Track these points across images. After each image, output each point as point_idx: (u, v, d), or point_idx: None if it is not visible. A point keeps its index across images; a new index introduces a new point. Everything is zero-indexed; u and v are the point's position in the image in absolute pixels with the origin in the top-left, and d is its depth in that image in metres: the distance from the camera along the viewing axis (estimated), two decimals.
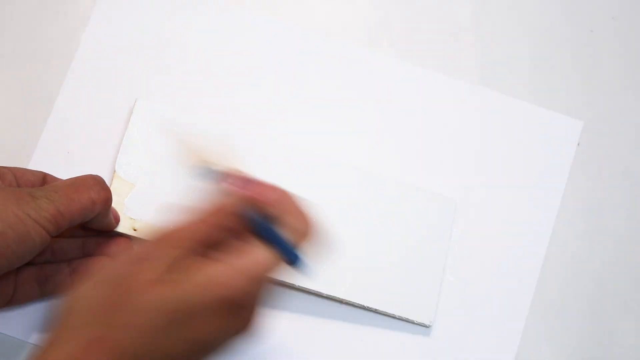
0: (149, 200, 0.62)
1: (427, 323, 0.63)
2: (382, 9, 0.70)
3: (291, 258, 0.47)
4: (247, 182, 0.48)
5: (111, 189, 0.59)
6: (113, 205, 0.58)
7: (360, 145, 0.67)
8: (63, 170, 0.58)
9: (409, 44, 0.70)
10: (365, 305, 0.62)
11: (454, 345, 0.64)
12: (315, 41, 0.69)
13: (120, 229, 0.60)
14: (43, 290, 0.59)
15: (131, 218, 0.60)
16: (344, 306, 0.63)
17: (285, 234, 0.47)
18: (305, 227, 0.48)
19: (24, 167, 0.61)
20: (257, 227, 0.47)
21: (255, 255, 0.46)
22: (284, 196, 0.48)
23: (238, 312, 0.45)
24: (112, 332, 0.43)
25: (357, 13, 0.70)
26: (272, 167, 0.65)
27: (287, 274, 0.48)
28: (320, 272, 0.48)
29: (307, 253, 0.47)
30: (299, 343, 0.62)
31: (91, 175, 0.56)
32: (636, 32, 0.71)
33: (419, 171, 0.67)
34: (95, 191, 0.54)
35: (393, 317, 0.63)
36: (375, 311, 0.63)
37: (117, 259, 0.46)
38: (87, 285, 0.45)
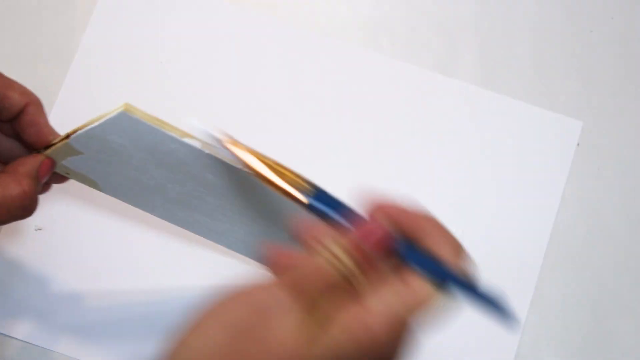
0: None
1: None
2: (382, 9, 0.70)
3: (461, 285, 0.39)
4: (383, 202, 0.41)
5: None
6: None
7: (358, 144, 0.67)
8: None
9: (408, 44, 0.70)
10: None
11: (453, 344, 0.64)
12: (314, 41, 0.69)
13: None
14: None
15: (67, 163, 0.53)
16: None
17: (443, 260, 0.39)
18: (459, 253, 0.40)
19: None
20: (410, 255, 0.39)
21: (412, 288, 0.38)
22: (428, 218, 0.41)
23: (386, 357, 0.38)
24: None
25: (356, 13, 0.70)
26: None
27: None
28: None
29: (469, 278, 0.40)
30: None
31: (18, 194, 0.50)
32: (635, 32, 0.71)
33: (416, 171, 0.67)
34: (15, 214, 0.50)
35: None
36: None
37: (232, 303, 0.37)
38: (201, 332, 0.37)
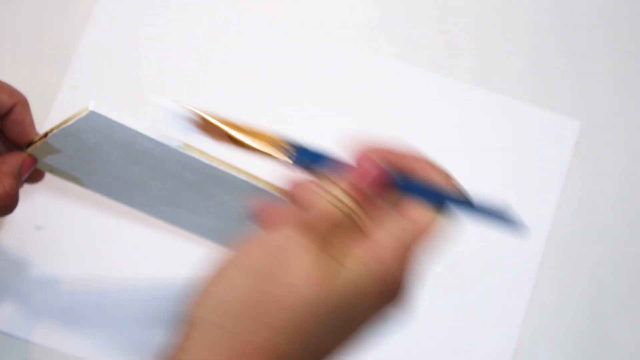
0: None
1: None
2: (380, 9, 0.71)
3: (460, 204, 0.41)
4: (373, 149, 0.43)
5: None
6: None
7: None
8: None
9: (406, 44, 0.70)
10: None
11: (451, 343, 0.64)
12: (312, 41, 0.69)
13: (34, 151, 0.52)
14: None
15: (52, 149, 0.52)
16: None
17: (437, 184, 0.41)
18: (450, 179, 0.42)
19: None
20: (406, 187, 0.41)
21: (415, 216, 0.40)
22: (417, 155, 0.43)
23: (402, 291, 0.40)
24: (265, 338, 0.37)
25: (355, 13, 0.70)
26: None
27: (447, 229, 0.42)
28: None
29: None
30: None
31: (0, 194, 0.51)
32: (633, 32, 0.71)
33: None
34: None
35: None
36: None
37: (249, 249, 0.39)
38: (222, 280, 0.38)
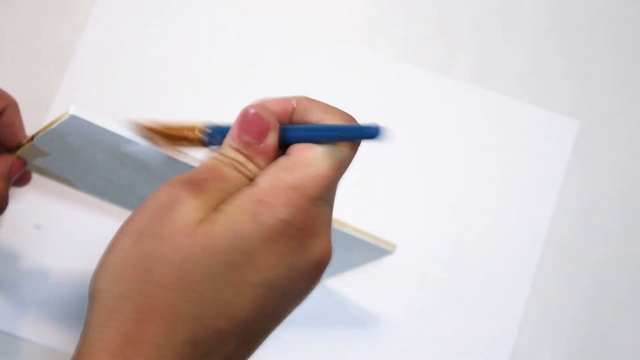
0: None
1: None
2: (380, 9, 0.71)
3: (359, 131, 0.42)
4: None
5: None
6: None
7: None
8: None
9: (406, 44, 0.70)
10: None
11: (450, 343, 0.64)
12: (313, 41, 0.69)
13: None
14: None
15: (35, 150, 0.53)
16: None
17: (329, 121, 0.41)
18: (341, 114, 0.42)
19: None
20: (290, 132, 0.40)
21: (296, 154, 0.39)
22: (302, 99, 0.42)
23: (303, 237, 0.38)
24: (157, 297, 0.35)
25: (355, 13, 0.70)
26: None
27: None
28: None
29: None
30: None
31: None
32: (633, 31, 0.71)
33: (413, 170, 0.67)
34: None
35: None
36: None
37: (135, 213, 0.38)
38: (112, 249, 0.37)
